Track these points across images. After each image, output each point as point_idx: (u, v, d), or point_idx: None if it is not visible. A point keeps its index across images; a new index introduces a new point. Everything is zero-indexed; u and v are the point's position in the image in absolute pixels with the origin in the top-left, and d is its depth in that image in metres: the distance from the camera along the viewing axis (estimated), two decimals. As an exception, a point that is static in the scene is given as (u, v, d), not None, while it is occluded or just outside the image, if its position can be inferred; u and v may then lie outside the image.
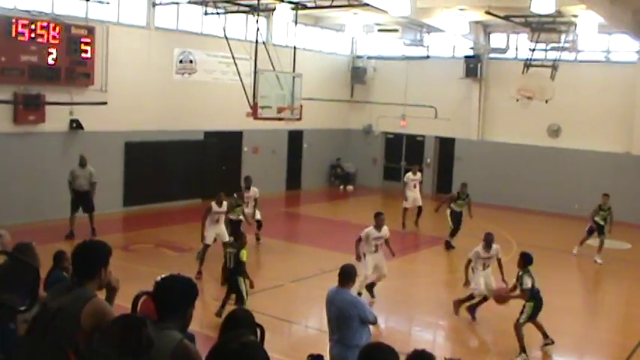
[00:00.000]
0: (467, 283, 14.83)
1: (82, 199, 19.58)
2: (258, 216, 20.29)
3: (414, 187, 23.67)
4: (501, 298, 13.17)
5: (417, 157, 32.15)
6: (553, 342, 12.78)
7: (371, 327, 9.38)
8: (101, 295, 5.40)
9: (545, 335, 12.78)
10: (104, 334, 4.73)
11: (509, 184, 28.46)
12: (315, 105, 27.09)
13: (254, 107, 21.09)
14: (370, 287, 15.14)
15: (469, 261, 14.58)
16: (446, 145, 31.73)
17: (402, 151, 33.06)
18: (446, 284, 17.95)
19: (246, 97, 21.24)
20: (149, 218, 23.01)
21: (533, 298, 12.46)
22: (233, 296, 13.45)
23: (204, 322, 12.57)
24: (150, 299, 5.14)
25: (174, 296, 4.90)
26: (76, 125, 21.73)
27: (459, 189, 21.49)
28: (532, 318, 12.53)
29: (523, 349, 12.22)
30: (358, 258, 14.62)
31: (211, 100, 25.89)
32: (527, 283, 12.35)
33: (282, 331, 13.79)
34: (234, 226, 18.13)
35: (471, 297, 14.33)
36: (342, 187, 32.24)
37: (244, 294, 13.27)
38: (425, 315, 15.40)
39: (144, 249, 19.19)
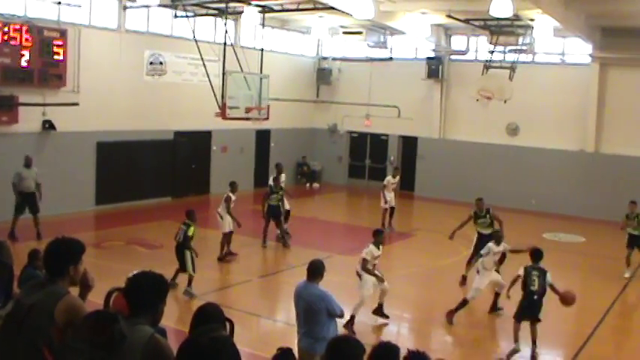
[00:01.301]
0: (464, 281, 16.00)
1: (29, 201, 19.32)
2: (287, 206, 21.07)
3: (392, 190, 23.71)
4: (569, 299, 12.69)
5: (380, 155, 32.78)
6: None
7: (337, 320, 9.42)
8: (74, 291, 5.47)
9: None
10: (77, 329, 4.72)
11: (469, 181, 29.00)
12: (281, 105, 27.52)
13: (222, 107, 21.43)
14: (380, 309, 14.22)
15: (480, 255, 14.83)
16: (409, 144, 32.30)
17: (366, 150, 33.62)
18: (411, 278, 18.35)
19: (215, 97, 21.54)
20: (121, 216, 23.22)
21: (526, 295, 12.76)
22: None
23: (175, 316, 12.76)
24: (122, 295, 5.09)
25: (145, 292, 4.92)
26: (48, 126, 21.92)
27: (475, 206, 17.72)
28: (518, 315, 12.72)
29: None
30: (381, 280, 13.84)
31: (181, 100, 26.15)
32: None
33: (252, 325, 14.01)
34: (274, 212, 19.86)
35: (464, 303, 14.33)
36: (308, 184, 32.64)
37: (188, 265, 14.96)
38: (390, 308, 15.83)
39: (116, 246, 19.37)
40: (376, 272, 13.78)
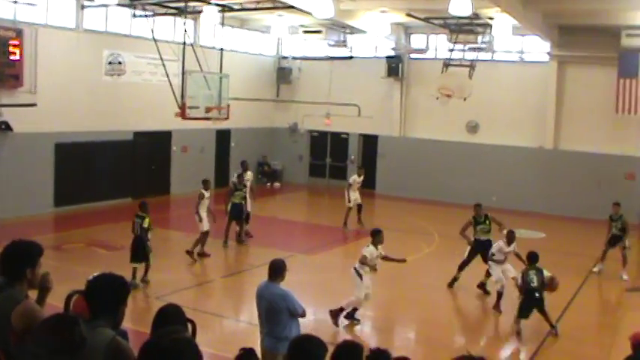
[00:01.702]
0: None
1: None
2: (249, 207, 21.04)
3: (357, 188, 23.74)
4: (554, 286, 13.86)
5: (341, 154, 32.84)
6: (556, 333, 13.64)
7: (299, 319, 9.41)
8: (33, 294, 5.43)
9: (550, 325, 13.71)
10: (36, 333, 4.58)
11: (430, 179, 29.23)
12: (242, 105, 27.34)
13: (182, 107, 21.31)
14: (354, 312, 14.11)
15: (492, 254, 15.53)
16: (369, 142, 32.41)
17: (326, 149, 33.67)
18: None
19: (175, 97, 21.40)
20: (80, 218, 22.98)
21: (527, 294, 13.58)
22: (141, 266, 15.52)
23: (137, 318, 12.59)
24: (82, 298, 5.05)
25: (105, 294, 4.86)
26: (5, 127, 21.58)
27: (474, 211, 17.17)
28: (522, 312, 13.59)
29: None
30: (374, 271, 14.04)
31: (140, 100, 25.95)
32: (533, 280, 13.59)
33: (214, 325, 13.99)
34: (236, 210, 19.87)
35: (500, 295, 15.06)
36: (269, 184, 32.61)
37: (148, 254, 15.52)
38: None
39: (76, 248, 19.18)
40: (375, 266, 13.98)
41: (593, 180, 25.65)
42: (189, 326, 5.32)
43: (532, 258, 13.99)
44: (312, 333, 5.30)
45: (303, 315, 9.39)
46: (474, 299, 16.43)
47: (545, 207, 27.25)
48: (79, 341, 4.42)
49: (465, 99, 25.28)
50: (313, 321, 13.55)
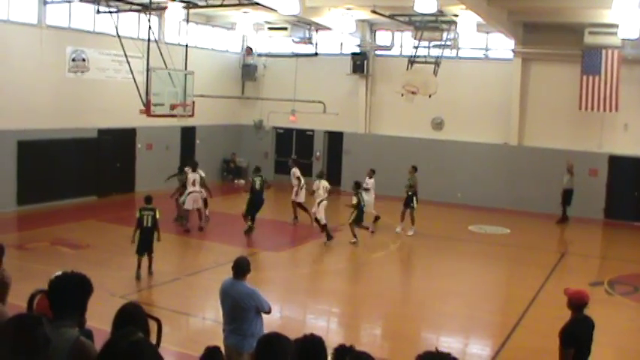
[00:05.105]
0: None
1: None
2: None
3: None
4: None
5: (307, 151, 32.81)
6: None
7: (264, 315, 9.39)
8: None
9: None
10: None
11: (396, 176, 29.12)
12: (207, 102, 27.28)
13: (147, 104, 21.18)
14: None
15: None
16: (334, 139, 32.44)
17: (292, 146, 33.62)
18: (339, 273, 18.50)
19: (139, 94, 21.28)
20: (44, 216, 22.70)
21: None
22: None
23: (103, 317, 12.63)
24: (45, 297, 5.01)
25: (68, 293, 4.81)
26: (-35, 125, 21.34)
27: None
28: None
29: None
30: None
31: (105, 97, 25.71)
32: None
33: (180, 323, 13.95)
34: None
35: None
36: (235, 181, 32.50)
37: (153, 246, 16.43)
38: (319, 303, 15.88)
39: (39, 247, 18.90)
40: None
41: (557, 175, 25.87)
42: (156, 324, 5.38)
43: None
44: (278, 330, 5.29)
45: (269, 312, 9.35)
46: (441, 295, 16.50)
47: (510, 203, 27.46)
48: (42, 343, 4.35)
49: (430, 96, 25.23)
50: (279, 318, 13.66)
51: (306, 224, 22.87)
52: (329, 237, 20.79)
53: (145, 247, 16.36)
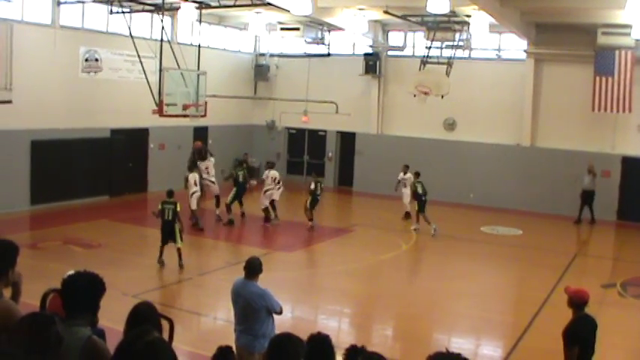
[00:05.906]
0: None
1: None
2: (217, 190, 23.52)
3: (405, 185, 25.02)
4: None
5: (319, 151, 32.84)
6: None
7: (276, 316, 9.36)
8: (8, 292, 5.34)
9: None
10: (11, 333, 4.46)
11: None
12: (219, 102, 27.32)
13: (160, 105, 21.21)
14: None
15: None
16: (347, 140, 32.35)
17: (304, 146, 33.64)
18: (351, 273, 18.33)
19: (152, 94, 21.33)
20: (57, 216, 22.76)
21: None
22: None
23: (115, 316, 12.64)
24: (58, 296, 5.02)
25: (81, 293, 4.82)
26: (-20, 124, 21.36)
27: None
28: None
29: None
30: None
31: (117, 97, 25.76)
32: None
33: (192, 323, 13.93)
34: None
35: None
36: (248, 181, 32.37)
37: (178, 236, 17.05)
38: (331, 304, 15.84)
39: (52, 246, 18.97)
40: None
41: (570, 177, 25.80)
42: (168, 324, 5.26)
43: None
44: (289, 331, 5.27)
45: (281, 312, 9.31)
46: (453, 296, 16.47)
47: (522, 204, 27.37)
48: (55, 341, 4.34)
49: (442, 96, 25.19)
50: (290, 318, 13.61)
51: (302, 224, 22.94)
52: (268, 219, 23.05)
53: (166, 237, 17.09)
